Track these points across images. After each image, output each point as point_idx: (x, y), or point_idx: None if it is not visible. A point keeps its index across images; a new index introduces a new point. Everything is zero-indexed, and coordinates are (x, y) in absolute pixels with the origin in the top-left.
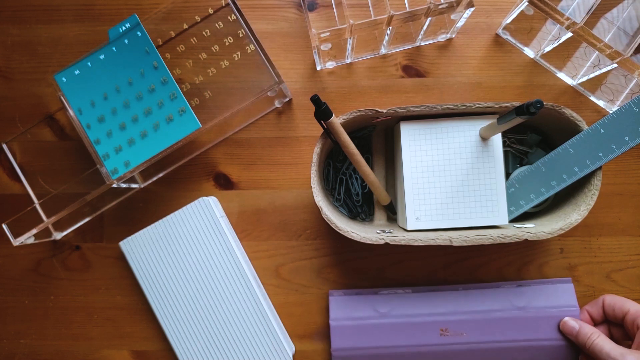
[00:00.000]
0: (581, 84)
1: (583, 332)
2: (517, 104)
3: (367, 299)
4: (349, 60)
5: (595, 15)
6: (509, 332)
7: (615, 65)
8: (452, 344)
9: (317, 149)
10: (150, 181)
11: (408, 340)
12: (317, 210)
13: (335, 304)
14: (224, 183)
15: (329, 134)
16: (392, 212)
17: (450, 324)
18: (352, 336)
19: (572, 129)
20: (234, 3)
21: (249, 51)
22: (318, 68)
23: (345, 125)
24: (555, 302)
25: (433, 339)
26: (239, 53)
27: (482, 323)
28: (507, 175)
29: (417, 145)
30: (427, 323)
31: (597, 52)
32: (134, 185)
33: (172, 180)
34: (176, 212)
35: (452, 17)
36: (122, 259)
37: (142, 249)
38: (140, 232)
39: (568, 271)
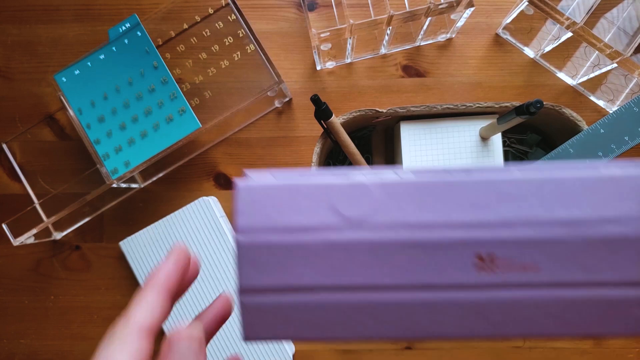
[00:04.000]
0: (581, 84)
1: None
2: (517, 104)
3: (321, 188)
4: (349, 60)
5: (595, 15)
6: (630, 268)
7: (615, 65)
8: (503, 288)
9: (317, 149)
10: (150, 181)
11: (402, 278)
12: None
13: (248, 197)
14: (224, 183)
15: (329, 134)
16: None
17: (503, 246)
18: (283, 266)
19: (572, 129)
20: (234, 3)
21: (249, 51)
22: (318, 68)
23: (345, 125)
24: None
25: (459, 276)
26: (239, 53)
27: (573, 248)
28: None
29: (417, 145)
30: (448, 244)
31: (597, 52)
32: (134, 185)
33: (172, 180)
34: (176, 212)
35: (452, 17)
36: (122, 259)
37: (142, 249)
38: (140, 232)
39: None
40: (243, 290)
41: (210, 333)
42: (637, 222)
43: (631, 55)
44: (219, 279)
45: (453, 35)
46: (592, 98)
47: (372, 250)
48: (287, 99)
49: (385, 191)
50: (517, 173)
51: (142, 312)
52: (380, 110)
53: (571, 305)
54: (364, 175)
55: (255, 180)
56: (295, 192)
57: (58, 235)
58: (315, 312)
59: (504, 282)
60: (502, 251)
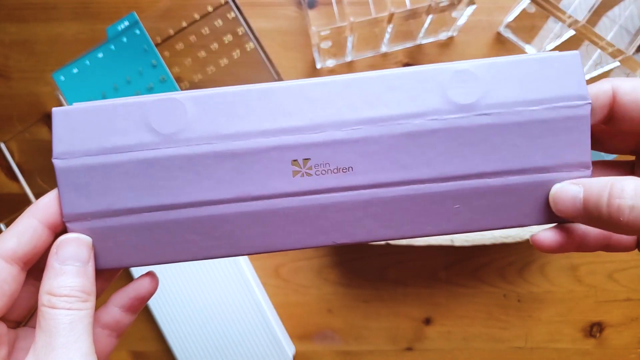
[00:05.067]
0: None
1: (597, 194)
2: None
3: (135, 106)
4: (349, 59)
5: (597, 13)
6: (444, 162)
7: (617, 63)
8: (320, 193)
9: None
10: None
11: (222, 191)
12: None
13: (64, 122)
14: None
15: None
16: None
17: (317, 150)
18: (104, 189)
19: None
20: (234, 1)
21: (248, 49)
22: (318, 66)
23: None
24: (541, 92)
25: (278, 184)
26: (238, 51)
27: (384, 146)
28: None
29: None
30: (262, 152)
31: (599, 50)
32: None
33: None
34: None
35: (453, 15)
36: None
37: None
38: None
39: (570, 271)
40: (68, 219)
41: (134, 308)
42: (441, 114)
43: (634, 53)
44: (217, 278)
45: (454, 34)
46: None
47: (189, 165)
48: None
49: (197, 104)
50: (323, 78)
51: (6, 239)
52: None
53: (392, 205)
54: (178, 92)
55: (71, 105)
56: (111, 113)
57: None
58: (143, 235)
59: (322, 186)
60: (315, 155)
